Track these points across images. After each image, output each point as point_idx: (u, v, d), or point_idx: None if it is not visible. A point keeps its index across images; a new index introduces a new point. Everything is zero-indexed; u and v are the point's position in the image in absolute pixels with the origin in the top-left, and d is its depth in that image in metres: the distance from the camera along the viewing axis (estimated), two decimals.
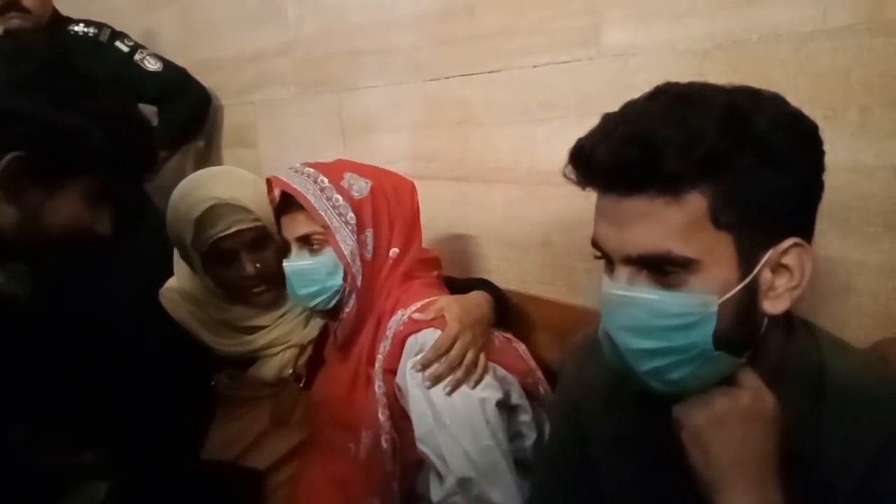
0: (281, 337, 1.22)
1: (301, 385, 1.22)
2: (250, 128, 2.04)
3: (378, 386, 1.01)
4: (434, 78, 1.41)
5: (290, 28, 1.78)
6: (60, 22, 2.03)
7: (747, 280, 0.62)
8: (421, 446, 0.95)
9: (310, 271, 1.04)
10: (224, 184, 1.17)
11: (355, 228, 1.03)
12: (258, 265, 1.15)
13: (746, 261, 0.61)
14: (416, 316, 1.00)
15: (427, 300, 1.03)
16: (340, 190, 1.04)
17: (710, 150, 0.58)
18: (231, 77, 2.07)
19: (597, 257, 0.69)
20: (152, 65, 2.02)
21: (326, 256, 1.03)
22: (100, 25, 2.05)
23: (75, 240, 0.87)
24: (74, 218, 0.86)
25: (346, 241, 1.02)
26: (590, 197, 1.18)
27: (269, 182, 1.11)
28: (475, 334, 0.98)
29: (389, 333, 1.02)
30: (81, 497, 1.19)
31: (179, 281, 1.27)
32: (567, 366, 0.90)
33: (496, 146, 1.31)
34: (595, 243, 0.68)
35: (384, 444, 0.99)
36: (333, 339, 1.12)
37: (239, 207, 1.14)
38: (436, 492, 0.94)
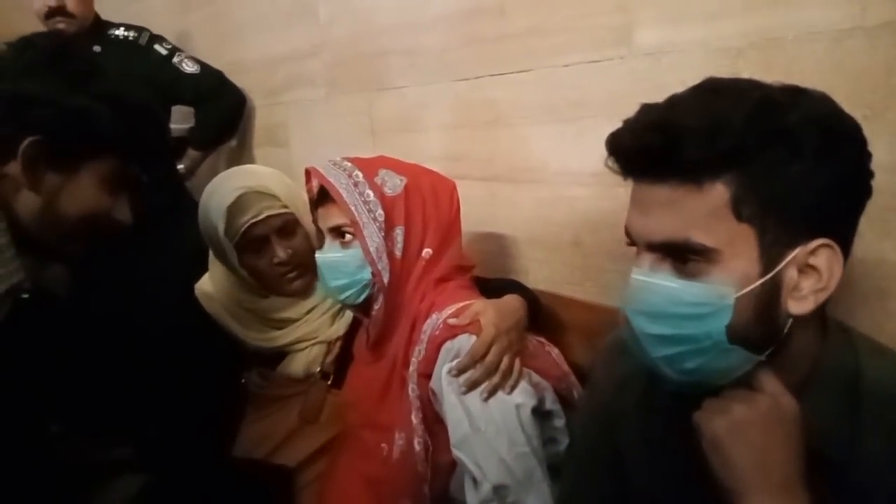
0: (308, 334, 1.24)
1: (329, 383, 1.23)
2: (281, 128, 2.07)
3: (412, 389, 1.00)
4: (463, 78, 1.41)
5: (322, 29, 1.80)
6: (102, 26, 2.09)
7: (768, 276, 0.61)
8: (457, 452, 0.94)
9: (340, 263, 1.05)
10: (251, 175, 1.24)
11: (383, 226, 1.02)
12: (289, 251, 1.19)
13: (768, 257, 0.61)
14: (452, 321, 0.99)
15: (462, 304, 1.02)
16: (373, 186, 1.04)
17: (734, 141, 0.58)
18: (263, 78, 2.10)
19: (628, 244, 0.69)
20: (190, 67, 2.07)
21: (356, 250, 1.03)
22: (139, 29, 2.10)
23: (95, 227, 0.89)
24: (92, 203, 0.87)
25: (372, 237, 1.02)
26: (618, 197, 1.18)
27: (307, 172, 1.11)
28: (511, 339, 0.98)
29: (424, 337, 1.01)
30: (116, 491, 1.21)
31: (213, 277, 1.29)
32: (598, 366, 0.89)
33: (525, 146, 1.31)
34: (626, 229, 0.68)
35: (416, 447, 0.98)
36: (365, 337, 1.12)
37: (267, 195, 1.19)
38: (471, 497, 0.93)
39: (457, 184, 1.15)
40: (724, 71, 0.99)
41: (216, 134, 2.17)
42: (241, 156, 2.28)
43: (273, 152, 2.13)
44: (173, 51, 2.09)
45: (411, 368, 1.01)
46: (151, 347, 1.35)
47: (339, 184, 1.03)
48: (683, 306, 0.62)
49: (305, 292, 1.25)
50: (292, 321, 1.24)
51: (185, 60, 2.08)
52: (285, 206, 1.20)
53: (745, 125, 0.58)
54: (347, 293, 1.06)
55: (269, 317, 1.25)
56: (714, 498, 0.65)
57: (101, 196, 0.88)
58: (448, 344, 0.98)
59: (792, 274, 0.61)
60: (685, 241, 0.61)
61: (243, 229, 1.17)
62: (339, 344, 1.25)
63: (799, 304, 0.62)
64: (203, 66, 2.10)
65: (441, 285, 1.07)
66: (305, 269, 1.22)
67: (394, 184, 1.06)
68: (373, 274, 1.03)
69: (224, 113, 2.13)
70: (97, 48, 2.03)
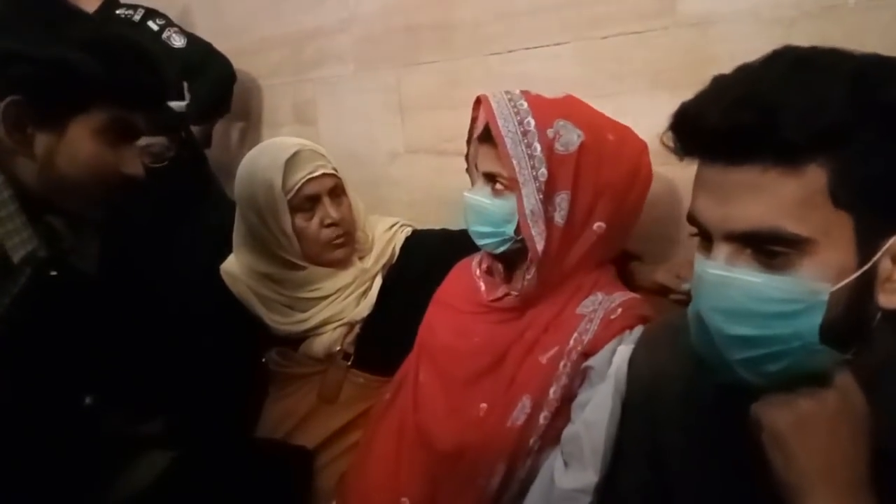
0: (335, 315, 1.22)
1: (349, 363, 1.21)
2: (310, 105, 2.04)
3: (563, 364, 0.92)
4: (496, 52, 1.37)
5: (350, 4, 1.76)
6: (111, 6, 2.08)
7: (865, 268, 0.56)
8: (581, 428, 0.87)
9: (487, 211, 0.97)
10: (299, 139, 1.25)
11: (543, 187, 0.91)
12: (339, 214, 1.20)
13: (865, 246, 0.55)
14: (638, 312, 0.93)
15: (637, 295, 0.97)
16: (542, 139, 0.92)
17: (834, 120, 0.52)
18: (292, 54, 2.06)
19: (693, 234, 0.64)
20: (177, 42, 2.05)
21: (507, 201, 0.94)
22: (135, 7, 2.09)
23: (106, 185, 0.86)
24: (92, 159, 0.83)
25: (529, 198, 0.91)
26: (659, 178, 1.12)
27: (477, 101, 1.02)
28: None
29: (595, 316, 0.94)
30: (144, 466, 1.22)
31: (240, 256, 1.28)
32: (638, 354, 0.85)
33: None
34: (692, 218, 0.62)
35: (541, 420, 0.92)
36: (478, 285, 1.06)
37: (320, 154, 1.22)
38: (561, 477, 0.88)
39: None
40: (776, 42, 0.92)
41: (207, 107, 2.11)
42: (269, 133, 2.26)
43: (301, 130, 2.11)
44: (164, 26, 2.06)
45: (571, 344, 0.93)
46: (175, 326, 1.35)
47: (507, 130, 0.92)
48: (771, 303, 0.57)
49: (345, 263, 1.24)
50: (320, 299, 1.22)
51: (173, 35, 2.05)
52: (335, 169, 1.22)
53: (846, 101, 0.52)
54: (487, 241, 0.99)
55: (298, 294, 1.22)
56: (765, 492, 0.61)
57: (101, 150, 0.84)
58: (639, 331, 0.90)
59: (886, 264, 0.57)
60: (775, 230, 0.55)
61: (300, 184, 1.16)
62: (359, 325, 1.23)
63: (891, 297, 0.57)
64: (190, 39, 2.07)
65: (603, 267, 1.00)
66: (349, 238, 1.23)
67: (568, 139, 0.92)
68: (523, 237, 0.93)
69: (211, 86, 2.08)
70: None
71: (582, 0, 1.18)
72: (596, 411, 0.85)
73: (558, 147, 0.92)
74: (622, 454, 0.84)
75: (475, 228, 1.00)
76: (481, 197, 0.98)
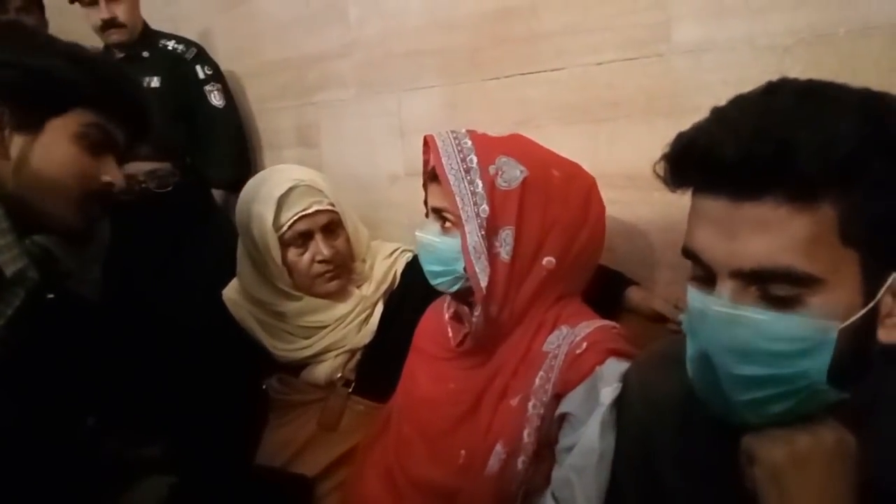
0: (336, 342, 1.22)
1: (350, 390, 1.21)
2: (313, 128, 2.06)
3: (532, 405, 0.90)
4: (493, 77, 1.38)
5: (352, 29, 1.78)
6: (152, 35, 2.12)
7: (871, 305, 0.55)
8: (571, 474, 0.85)
9: (436, 249, 0.96)
10: (301, 170, 1.24)
11: (485, 223, 0.90)
12: (332, 250, 1.19)
13: (871, 283, 0.55)
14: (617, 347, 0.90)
15: (602, 322, 0.94)
16: (484, 175, 0.92)
17: (849, 154, 0.51)
18: (295, 78, 2.09)
19: (699, 276, 0.62)
20: (216, 100, 2.09)
21: (455, 239, 0.93)
22: (189, 44, 2.13)
23: (88, 192, 0.87)
24: (70, 160, 0.85)
25: (472, 234, 0.90)
26: (654, 203, 1.12)
27: (425, 141, 1.01)
28: None
29: (559, 353, 0.91)
30: (146, 491, 1.21)
31: (242, 281, 1.28)
32: (631, 383, 0.84)
33: (556, 147, 1.25)
34: (690, 252, 0.61)
35: (519, 466, 0.90)
36: (446, 332, 1.05)
37: (317, 190, 1.20)
38: None
39: None
40: (770, 70, 0.94)
41: (236, 173, 2.14)
42: (273, 157, 2.28)
43: (304, 152, 2.12)
44: (209, 78, 2.10)
45: (537, 383, 0.91)
46: (176, 350, 1.35)
47: (450, 167, 0.92)
48: (780, 342, 0.55)
49: (339, 295, 1.23)
50: (322, 327, 1.22)
51: (215, 92, 2.08)
52: (332, 205, 1.20)
53: (859, 134, 0.51)
54: (440, 280, 0.98)
55: (298, 323, 1.22)
56: None
57: (79, 154, 0.86)
58: (608, 366, 0.87)
59: (887, 300, 0.56)
60: (786, 268, 0.54)
61: (291, 221, 1.16)
62: (360, 351, 1.23)
63: (890, 332, 0.57)
64: (229, 103, 2.10)
65: (565, 300, 0.98)
66: (343, 271, 1.22)
67: (511, 176, 0.93)
68: (468, 274, 0.92)
69: (236, 153, 2.15)
70: (146, 54, 2.06)
71: (578, 27, 1.18)
72: (584, 456, 0.84)
73: (500, 183, 0.92)
74: (617, 488, 0.83)
75: (427, 268, 0.99)
76: (431, 235, 0.98)
